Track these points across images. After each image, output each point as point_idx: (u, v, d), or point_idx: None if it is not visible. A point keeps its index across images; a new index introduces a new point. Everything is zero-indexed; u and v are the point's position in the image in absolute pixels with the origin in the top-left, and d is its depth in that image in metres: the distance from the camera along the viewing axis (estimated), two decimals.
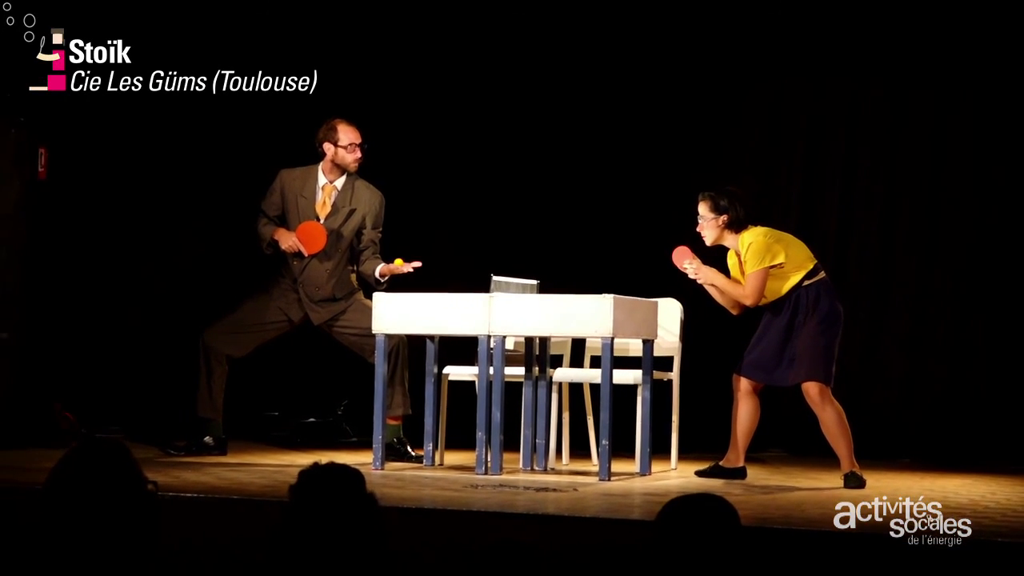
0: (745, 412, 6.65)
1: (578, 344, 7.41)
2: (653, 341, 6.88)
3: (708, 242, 6.72)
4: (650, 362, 6.83)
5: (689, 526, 3.17)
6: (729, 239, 6.68)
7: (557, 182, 8.70)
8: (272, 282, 7.50)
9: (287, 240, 7.36)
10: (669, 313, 7.17)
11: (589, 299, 6.46)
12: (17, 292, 7.67)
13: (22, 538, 3.10)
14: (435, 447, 7.00)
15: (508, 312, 6.51)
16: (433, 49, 8.75)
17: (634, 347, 7.10)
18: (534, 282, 7.04)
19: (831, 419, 6.49)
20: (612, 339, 6.45)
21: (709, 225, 6.66)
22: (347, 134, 7.43)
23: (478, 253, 8.22)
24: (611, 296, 6.41)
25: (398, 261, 7.24)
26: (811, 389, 6.50)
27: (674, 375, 7.13)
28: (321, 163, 7.49)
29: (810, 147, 8.49)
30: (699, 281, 6.73)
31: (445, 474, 6.71)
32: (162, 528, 3.14)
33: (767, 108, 8.57)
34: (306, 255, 7.36)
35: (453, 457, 7.20)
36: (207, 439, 7.31)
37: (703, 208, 6.67)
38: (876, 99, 8.36)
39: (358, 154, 7.44)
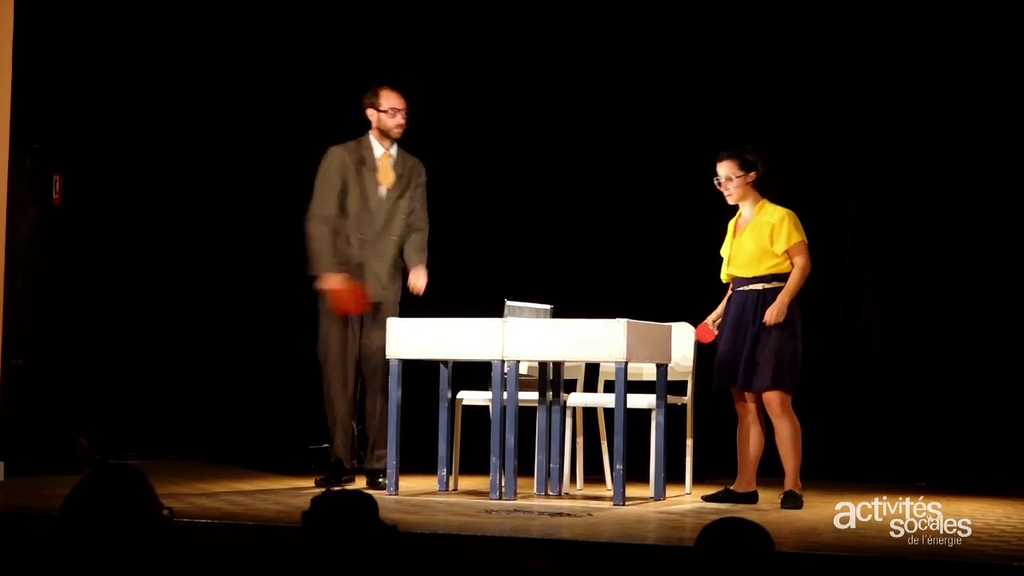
0: (754, 437, 6.64)
1: (592, 368, 7.41)
2: (667, 365, 6.88)
3: (732, 201, 6.67)
4: (664, 386, 6.82)
5: (728, 552, 3.18)
6: (750, 199, 6.65)
7: (570, 207, 8.71)
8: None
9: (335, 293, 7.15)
10: (683, 337, 7.16)
11: (602, 324, 6.45)
12: (32, 318, 7.69)
13: (39, 565, 3.11)
14: (449, 472, 6.99)
15: (522, 337, 6.51)
16: (446, 67, 8.77)
17: (648, 371, 7.10)
18: (547, 307, 7.03)
19: (787, 432, 6.47)
20: (626, 363, 6.44)
21: (736, 183, 6.62)
22: (388, 99, 7.26)
23: (491, 278, 8.22)
24: (624, 320, 6.40)
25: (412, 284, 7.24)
26: (772, 399, 6.49)
27: (688, 399, 7.12)
28: (370, 132, 7.31)
29: (827, 162, 8.48)
30: (783, 318, 6.51)
31: (459, 499, 6.70)
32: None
33: (783, 122, 8.56)
34: (353, 313, 7.20)
35: (467, 482, 7.19)
36: (344, 478, 7.26)
37: (730, 167, 6.64)
38: (892, 109, 8.36)
39: (400, 119, 7.25)
